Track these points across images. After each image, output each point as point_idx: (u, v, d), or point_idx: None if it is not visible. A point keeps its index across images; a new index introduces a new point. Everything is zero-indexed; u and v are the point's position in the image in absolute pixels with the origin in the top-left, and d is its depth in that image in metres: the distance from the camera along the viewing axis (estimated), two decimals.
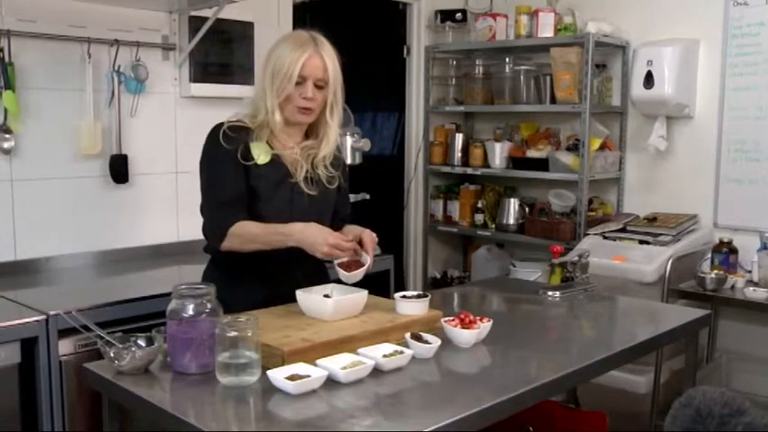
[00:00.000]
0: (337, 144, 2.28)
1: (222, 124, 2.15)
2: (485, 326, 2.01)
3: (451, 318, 2.03)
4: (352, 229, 2.22)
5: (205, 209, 2.18)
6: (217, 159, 2.14)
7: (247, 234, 2.09)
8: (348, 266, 2.08)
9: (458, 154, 4.44)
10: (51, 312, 2.26)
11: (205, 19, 3.13)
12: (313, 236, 2.04)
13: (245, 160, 2.12)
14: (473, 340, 1.98)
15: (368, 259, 2.10)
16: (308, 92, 2.11)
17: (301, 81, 2.10)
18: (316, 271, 2.30)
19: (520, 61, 4.24)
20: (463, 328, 1.98)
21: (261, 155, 2.14)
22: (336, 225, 2.27)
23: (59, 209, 2.96)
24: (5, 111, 2.73)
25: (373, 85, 4.28)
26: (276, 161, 2.17)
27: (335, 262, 2.08)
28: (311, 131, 2.25)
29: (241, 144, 2.12)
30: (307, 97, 2.12)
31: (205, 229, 2.18)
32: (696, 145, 3.78)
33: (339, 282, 2.13)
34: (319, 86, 2.13)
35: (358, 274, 2.07)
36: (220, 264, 2.22)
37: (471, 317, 2.02)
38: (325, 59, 2.12)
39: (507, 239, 4.30)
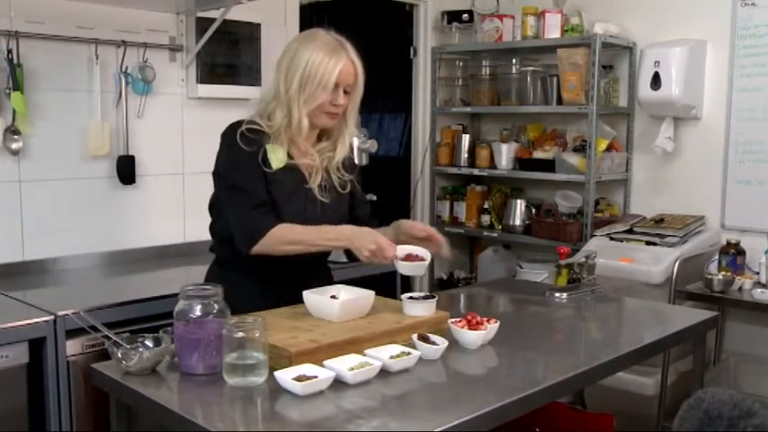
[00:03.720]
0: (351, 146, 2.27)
1: (239, 125, 2.10)
2: (492, 327, 2.01)
3: (458, 319, 2.03)
4: (426, 228, 2.19)
5: (235, 212, 2.08)
6: (244, 161, 2.07)
7: (291, 234, 2.04)
8: (408, 259, 2.08)
9: (464, 155, 4.44)
10: (59, 313, 2.27)
11: (212, 20, 3.14)
12: (363, 236, 2.03)
13: (263, 164, 2.09)
14: (480, 341, 1.97)
15: (428, 254, 2.10)
16: (339, 99, 2.10)
17: (334, 88, 2.09)
18: (321, 272, 2.30)
19: (526, 62, 4.25)
20: (470, 329, 1.98)
21: (277, 160, 2.10)
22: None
23: (67, 210, 2.97)
24: (14, 112, 2.74)
25: (380, 86, 4.24)
26: (291, 165, 2.13)
27: (398, 255, 2.06)
28: (324, 133, 2.23)
29: (260, 147, 2.09)
30: (338, 104, 2.11)
31: (236, 233, 2.08)
32: (703, 146, 3.77)
33: (344, 282, 2.13)
34: (347, 92, 2.13)
35: (420, 266, 2.07)
36: (225, 264, 2.21)
37: (478, 318, 2.01)
38: (355, 65, 2.12)
39: (514, 240, 4.29)
